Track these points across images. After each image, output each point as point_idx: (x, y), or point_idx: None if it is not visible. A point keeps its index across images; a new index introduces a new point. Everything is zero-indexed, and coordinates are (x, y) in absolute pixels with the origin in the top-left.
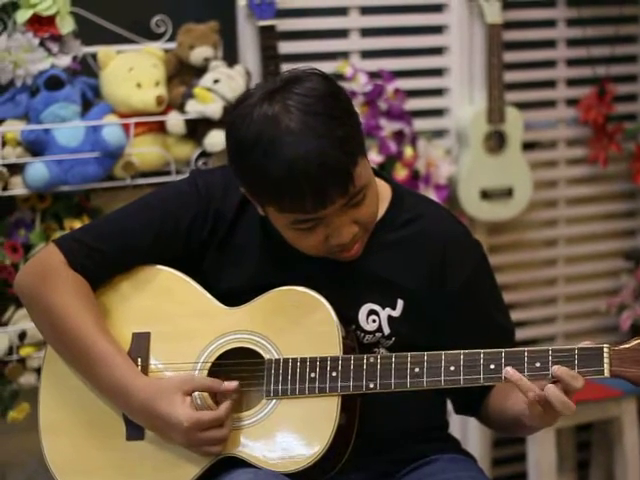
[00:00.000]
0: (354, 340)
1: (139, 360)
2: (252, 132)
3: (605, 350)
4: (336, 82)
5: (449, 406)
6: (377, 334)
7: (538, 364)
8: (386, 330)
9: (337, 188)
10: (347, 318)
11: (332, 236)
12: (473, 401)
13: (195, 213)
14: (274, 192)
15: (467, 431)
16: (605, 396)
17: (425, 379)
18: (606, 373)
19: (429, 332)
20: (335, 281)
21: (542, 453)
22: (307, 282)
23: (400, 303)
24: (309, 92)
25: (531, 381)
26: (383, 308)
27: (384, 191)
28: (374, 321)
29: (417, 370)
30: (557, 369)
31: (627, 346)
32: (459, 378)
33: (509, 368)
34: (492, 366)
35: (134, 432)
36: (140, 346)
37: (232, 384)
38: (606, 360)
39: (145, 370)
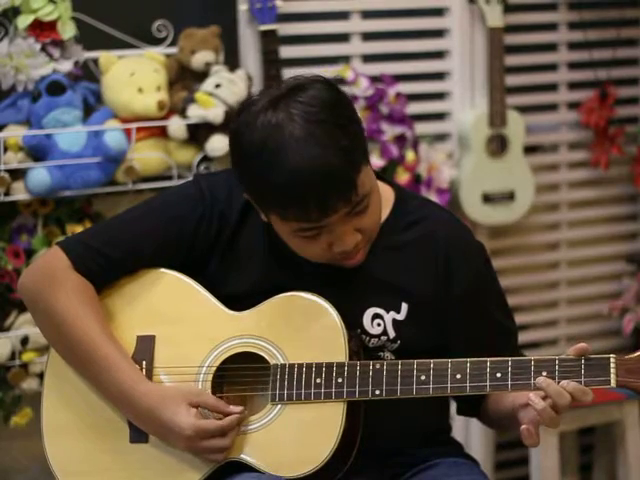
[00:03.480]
0: (358, 344)
1: (143, 363)
2: (256, 140)
3: (612, 360)
4: (340, 89)
5: (452, 410)
6: (382, 337)
7: (545, 373)
8: (391, 333)
9: (340, 196)
10: (351, 322)
11: (335, 244)
12: (476, 401)
13: (200, 216)
14: (277, 200)
15: (470, 435)
16: (607, 400)
17: (431, 386)
18: (612, 383)
19: (434, 335)
20: (339, 285)
21: (545, 456)
22: (311, 286)
23: (404, 306)
24: (313, 100)
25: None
26: (387, 312)
27: (387, 194)
28: (379, 325)
29: (423, 378)
30: (572, 388)
31: (633, 356)
32: (465, 386)
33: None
34: (498, 375)
35: (138, 435)
36: (145, 349)
37: (237, 408)
38: (612, 370)
39: (149, 373)
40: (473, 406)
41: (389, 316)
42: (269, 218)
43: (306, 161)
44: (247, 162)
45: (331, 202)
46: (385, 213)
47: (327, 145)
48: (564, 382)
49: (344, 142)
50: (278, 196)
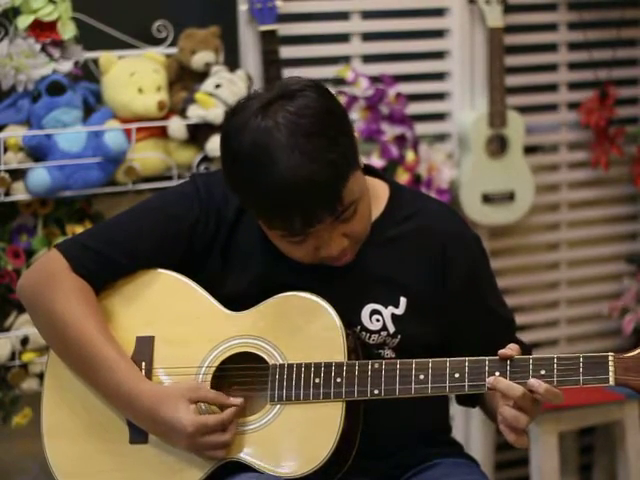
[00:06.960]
0: (355, 341)
1: (143, 364)
2: (243, 147)
3: (610, 359)
4: (332, 96)
5: (452, 410)
6: (382, 333)
7: (543, 372)
8: (391, 328)
9: (325, 208)
10: (350, 320)
11: (322, 248)
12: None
13: (197, 214)
14: (261, 209)
15: (470, 435)
16: (607, 400)
17: (430, 386)
18: (611, 382)
19: (434, 328)
20: (336, 282)
21: (545, 457)
22: (308, 284)
23: (403, 301)
24: (302, 110)
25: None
26: (386, 307)
27: (381, 190)
28: (378, 320)
29: (422, 377)
30: (544, 390)
31: (631, 354)
32: (464, 385)
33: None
34: (497, 373)
35: (137, 435)
36: (144, 350)
37: (237, 400)
38: (611, 369)
39: (149, 374)
40: (472, 396)
41: (388, 311)
42: (257, 219)
43: (290, 175)
44: (234, 168)
45: (316, 214)
46: (380, 208)
47: (313, 158)
48: (533, 381)
49: (331, 156)
50: (262, 206)
